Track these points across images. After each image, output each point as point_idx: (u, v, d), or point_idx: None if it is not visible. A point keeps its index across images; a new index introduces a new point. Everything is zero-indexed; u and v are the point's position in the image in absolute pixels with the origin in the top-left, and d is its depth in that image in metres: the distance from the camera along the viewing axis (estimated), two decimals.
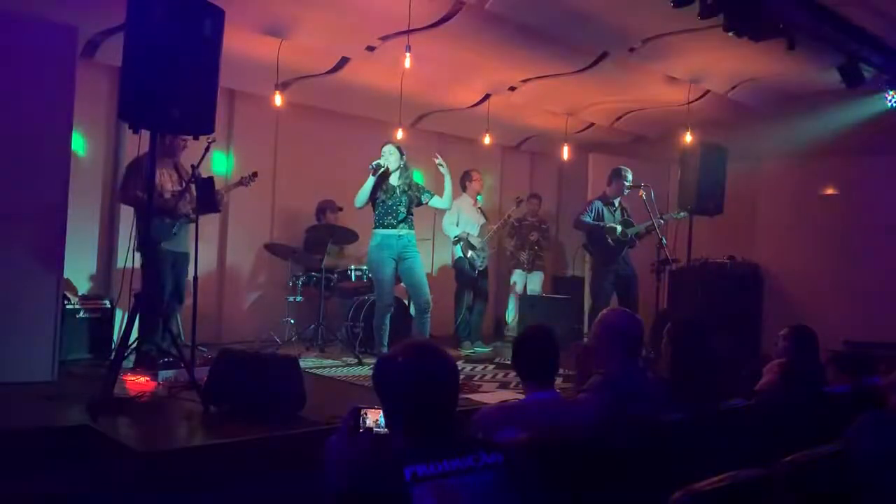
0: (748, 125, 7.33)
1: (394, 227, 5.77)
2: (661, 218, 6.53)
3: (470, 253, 7.19)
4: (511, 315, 8.00)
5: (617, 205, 6.89)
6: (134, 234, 4.53)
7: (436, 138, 7.97)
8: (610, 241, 6.65)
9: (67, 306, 5.30)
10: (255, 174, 5.74)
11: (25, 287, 4.47)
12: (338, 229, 6.58)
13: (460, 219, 7.25)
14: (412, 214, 5.92)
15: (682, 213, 6.62)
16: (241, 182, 5.67)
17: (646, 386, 2.97)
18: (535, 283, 8.08)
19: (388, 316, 5.84)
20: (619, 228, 6.67)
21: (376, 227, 5.81)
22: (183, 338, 5.35)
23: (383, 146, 5.87)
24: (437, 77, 6.50)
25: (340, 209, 6.98)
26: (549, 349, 2.78)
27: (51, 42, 4.57)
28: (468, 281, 7.28)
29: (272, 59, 5.69)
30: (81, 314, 5.46)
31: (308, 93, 6.65)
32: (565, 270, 9.20)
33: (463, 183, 7.34)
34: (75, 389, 4.24)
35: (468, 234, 7.23)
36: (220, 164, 6.74)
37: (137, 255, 4.48)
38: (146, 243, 4.46)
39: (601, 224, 6.70)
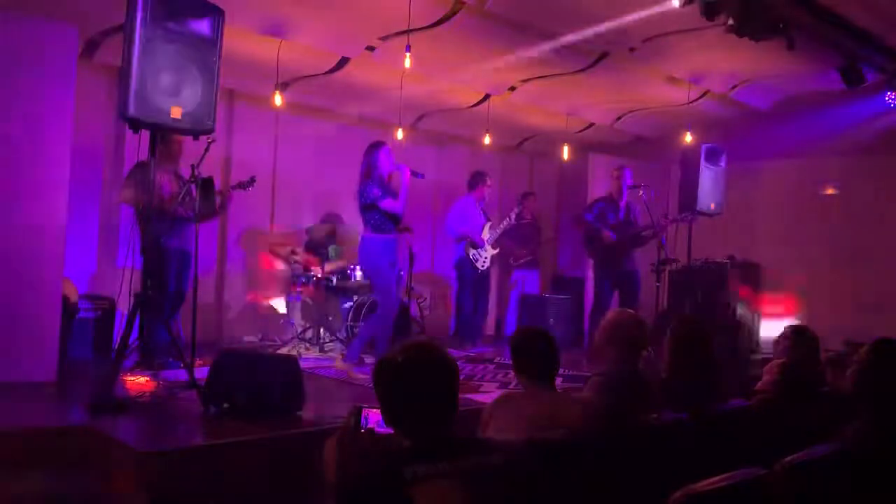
0: (748, 125, 7.33)
1: (391, 232, 5.53)
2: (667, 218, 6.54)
3: (472, 253, 7.18)
4: (511, 315, 7.99)
5: (622, 205, 6.88)
6: (135, 234, 4.53)
7: (436, 138, 7.98)
8: (604, 240, 6.67)
9: (67, 306, 5.30)
10: (253, 179, 5.66)
11: (26, 286, 4.46)
12: (339, 229, 6.58)
13: (464, 218, 7.23)
14: None
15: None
16: (239, 186, 5.61)
17: (646, 386, 2.98)
18: (533, 282, 8.09)
19: None
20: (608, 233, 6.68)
21: (375, 232, 5.45)
22: (183, 338, 5.35)
23: (383, 147, 5.52)
24: (437, 77, 6.50)
25: None
26: (543, 350, 2.77)
27: (51, 42, 4.56)
28: (470, 281, 7.27)
29: (272, 59, 5.69)
30: (82, 314, 5.45)
31: (308, 93, 6.65)
32: (565, 270, 9.20)
33: (474, 183, 7.21)
34: (76, 389, 4.24)
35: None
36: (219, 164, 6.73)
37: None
38: (149, 245, 4.45)
39: (597, 225, 6.72)
